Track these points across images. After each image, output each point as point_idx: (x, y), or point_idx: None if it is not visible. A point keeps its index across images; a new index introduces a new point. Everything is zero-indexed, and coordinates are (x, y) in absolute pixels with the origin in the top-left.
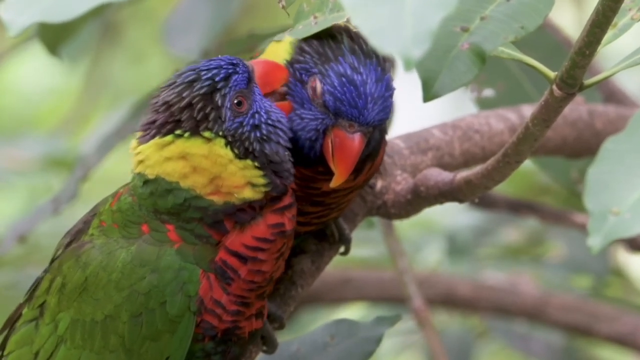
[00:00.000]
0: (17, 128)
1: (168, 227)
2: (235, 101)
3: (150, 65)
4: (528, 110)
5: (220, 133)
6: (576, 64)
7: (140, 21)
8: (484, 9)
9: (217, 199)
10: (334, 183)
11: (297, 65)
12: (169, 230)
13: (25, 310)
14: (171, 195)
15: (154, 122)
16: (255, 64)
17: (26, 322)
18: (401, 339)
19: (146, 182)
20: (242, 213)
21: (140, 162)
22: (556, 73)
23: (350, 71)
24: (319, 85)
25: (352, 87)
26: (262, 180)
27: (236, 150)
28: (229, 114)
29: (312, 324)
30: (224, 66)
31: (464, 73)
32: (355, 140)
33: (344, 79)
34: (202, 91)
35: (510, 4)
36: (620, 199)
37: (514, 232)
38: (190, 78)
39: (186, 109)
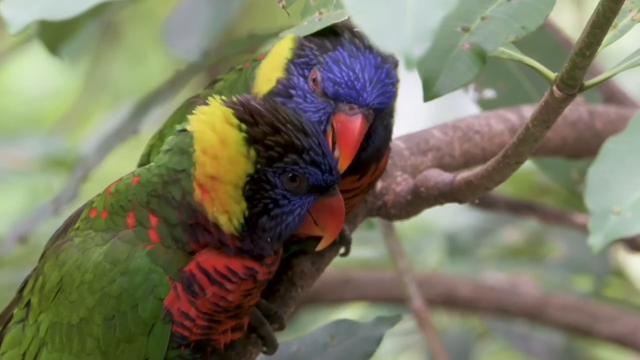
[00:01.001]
0: (18, 129)
1: (152, 219)
2: (290, 175)
3: (150, 66)
4: (528, 111)
5: (259, 166)
6: (576, 65)
7: (140, 21)
8: (484, 8)
9: (198, 194)
10: (341, 166)
11: (297, 61)
12: (152, 226)
13: (16, 310)
14: (178, 157)
15: (246, 102)
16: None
17: (16, 322)
18: (401, 339)
19: (181, 131)
20: (207, 234)
21: (201, 110)
22: (556, 74)
23: (348, 57)
24: (318, 75)
25: (350, 71)
26: (237, 224)
27: (247, 189)
28: (279, 172)
29: (312, 325)
30: (327, 162)
31: (465, 73)
32: (357, 122)
33: (342, 65)
34: (293, 138)
35: (511, 4)
36: (621, 199)
37: (514, 232)
38: (309, 129)
39: (269, 125)
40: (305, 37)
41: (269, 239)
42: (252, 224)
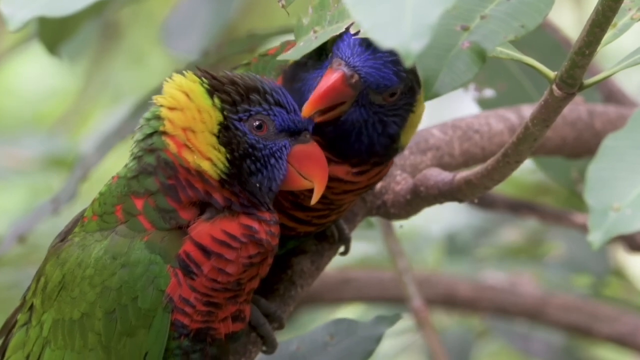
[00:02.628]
0: (18, 129)
1: (137, 203)
2: (257, 123)
3: (150, 66)
4: (528, 111)
5: (225, 113)
6: (576, 64)
7: (140, 21)
8: (484, 8)
9: (173, 147)
10: (305, 111)
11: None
12: (139, 210)
13: (19, 315)
14: (147, 126)
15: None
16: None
17: (20, 326)
18: (401, 339)
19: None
20: (191, 190)
21: (165, 85)
22: (556, 73)
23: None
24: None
25: (359, 39)
26: (222, 166)
27: (222, 136)
28: (245, 116)
29: (312, 324)
30: (291, 103)
31: (464, 72)
32: (334, 74)
33: (359, 36)
34: (252, 82)
35: (511, 3)
36: (620, 195)
37: (514, 232)
38: (262, 79)
39: (226, 77)
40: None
41: (257, 184)
42: (237, 167)
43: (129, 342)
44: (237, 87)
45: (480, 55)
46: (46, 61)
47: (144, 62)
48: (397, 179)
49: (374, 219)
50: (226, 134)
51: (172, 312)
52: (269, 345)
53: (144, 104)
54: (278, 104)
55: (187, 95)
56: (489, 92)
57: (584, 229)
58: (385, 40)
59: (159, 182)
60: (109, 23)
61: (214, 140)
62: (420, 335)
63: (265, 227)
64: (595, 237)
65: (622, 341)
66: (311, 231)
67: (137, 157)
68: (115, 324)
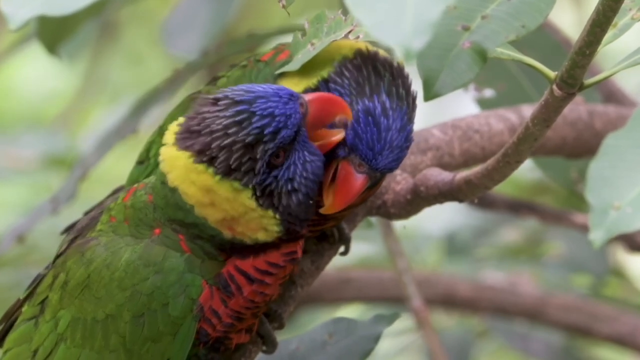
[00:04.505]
0: (18, 129)
1: (180, 236)
2: (274, 155)
3: (149, 65)
4: (528, 111)
5: (250, 185)
6: (576, 64)
7: (139, 21)
8: (485, 7)
9: (227, 233)
10: (325, 210)
11: (332, 85)
12: (181, 239)
13: (25, 308)
14: (181, 212)
15: (194, 132)
16: (312, 102)
17: (26, 319)
18: (401, 339)
19: (164, 183)
20: (247, 248)
21: (167, 163)
22: (556, 73)
23: (379, 112)
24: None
25: (375, 129)
26: (277, 228)
27: (261, 202)
28: (264, 168)
29: (312, 324)
30: (277, 116)
31: (465, 72)
32: (359, 181)
33: (370, 119)
34: (246, 140)
35: (512, 2)
36: (621, 194)
37: (514, 232)
38: (242, 117)
39: (224, 150)
40: (349, 61)
41: (308, 205)
42: (287, 214)
43: (153, 347)
44: (239, 152)
45: (482, 55)
46: (46, 61)
47: (143, 61)
48: (397, 178)
49: (374, 219)
50: (262, 198)
51: (199, 321)
52: (269, 345)
53: (143, 103)
54: (276, 129)
55: (208, 191)
56: (489, 92)
57: (583, 229)
58: (385, 38)
59: (213, 242)
60: (107, 22)
61: (257, 211)
62: (420, 335)
63: (301, 243)
64: (596, 236)
65: (621, 341)
66: (307, 235)
67: (177, 224)
68: (142, 329)
